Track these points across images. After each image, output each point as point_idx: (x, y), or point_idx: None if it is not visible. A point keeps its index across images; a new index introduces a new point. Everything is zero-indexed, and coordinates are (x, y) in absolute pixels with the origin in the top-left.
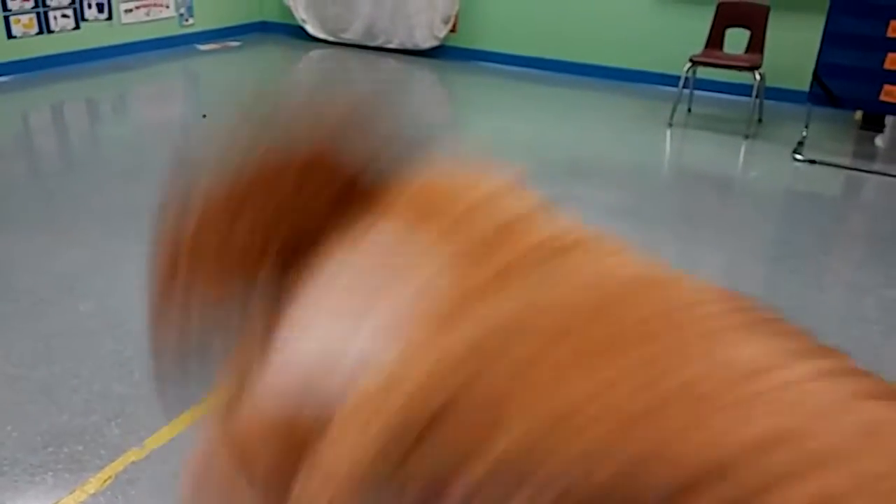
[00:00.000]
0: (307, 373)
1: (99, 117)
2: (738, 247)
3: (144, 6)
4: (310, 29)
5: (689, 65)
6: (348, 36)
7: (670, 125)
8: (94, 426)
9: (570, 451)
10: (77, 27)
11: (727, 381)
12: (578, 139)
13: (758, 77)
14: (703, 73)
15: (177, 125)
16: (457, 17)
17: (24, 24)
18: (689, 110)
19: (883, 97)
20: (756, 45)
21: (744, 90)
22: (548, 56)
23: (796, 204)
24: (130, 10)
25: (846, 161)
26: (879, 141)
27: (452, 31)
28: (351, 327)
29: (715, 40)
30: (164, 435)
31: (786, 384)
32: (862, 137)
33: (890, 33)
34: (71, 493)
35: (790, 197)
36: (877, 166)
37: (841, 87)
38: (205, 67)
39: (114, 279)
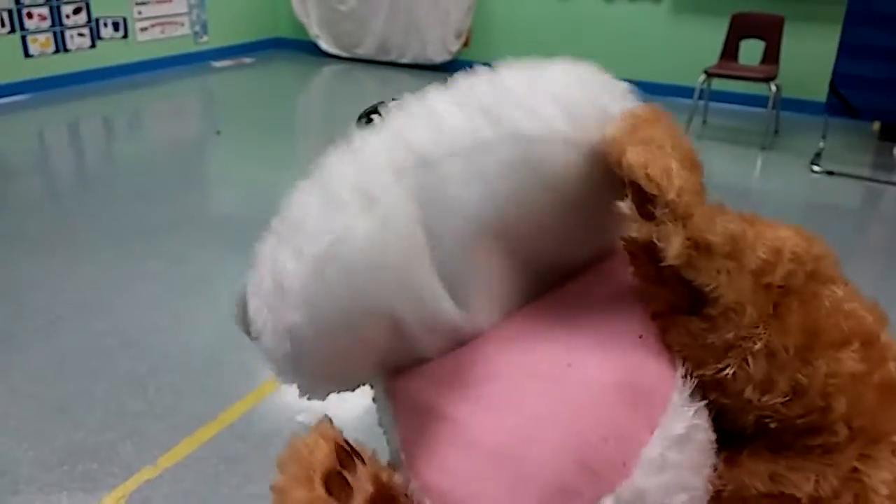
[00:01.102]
0: None
1: (114, 135)
2: None
3: (160, 24)
4: (323, 45)
5: (703, 76)
6: (361, 51)
7: None
8: (108, 444)
9: None
10: (93, 46)
11: None
12: None
13: (773, 88)
14: (719, 84)
15: (191, 142)
16: (469, 31)
17: (41, 43)
18: (705, 122)
19: None
20: (771, 56)
21: (760, 101)
22: None
23: (814, 216)
24: (146, 29)
25: (864, 172)
26: None
27: (465, 45)
28: None
29: (730, 52)
30: (177, 453)
31: None
32: (880, 148)
33: None
34: None
35: (808, 209)
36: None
37: (858, 97)
38: (219, 84)
39: (128, 297)
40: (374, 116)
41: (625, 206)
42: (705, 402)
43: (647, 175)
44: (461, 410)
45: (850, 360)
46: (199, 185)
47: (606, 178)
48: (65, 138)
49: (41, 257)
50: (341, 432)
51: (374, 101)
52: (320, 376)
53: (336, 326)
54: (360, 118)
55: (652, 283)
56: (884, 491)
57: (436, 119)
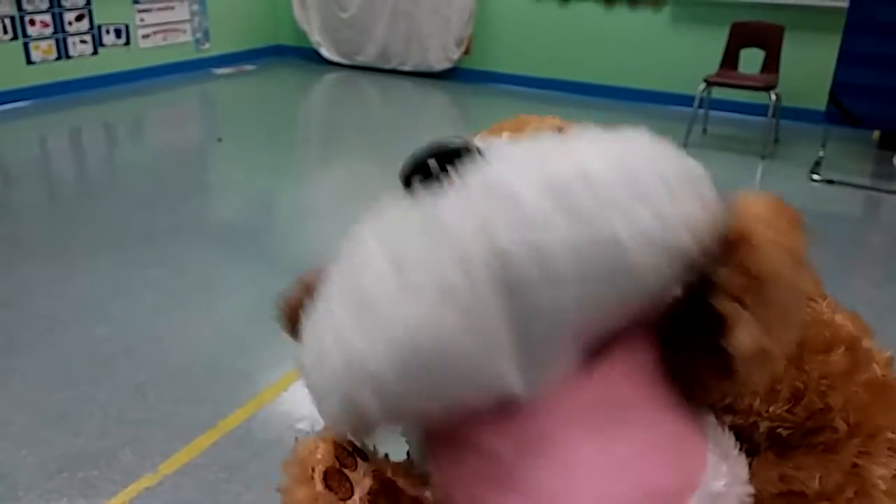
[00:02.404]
0: None
1: (116, 142)
2: None
3: (162, 31)
4: (324, 52)
5: (703, 85)
6: (362, 59)
7: (685, 146)
8: (108, 451)
9: None
10: (95, 53)
11: None
12: None
13: (773, 97)
14: (718, 93)
15: (193, 149)
16: (470, 39)
17: (43, 49)
18: (705, 131)
19: None
20: (771, 64)
21: (759, 110)
22: (561, 77)
23: (814, 224)
24: (148, 36)
25: (864, 181)
26: None
27: (466, 53)
28: None
29: (729, 60)
30: (177, 460)
31: None
32: (880, 157)
33: None
34: None
35: (808, 217)
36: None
37: (858, 106)
38: (221, 91)
39: (130, 303)
40: (432, 170)
41: (723, 275)
42: (739, 451)
43: (781, 281)
44: (517, 473)
45: (837, 362)
46: (200, 193)
47: (679, 266)
48: (66, 145)
49: (42, 263)
50: (344, 434)
51: (425, 143)
52: (376, 433)
53: (407, 409)
54: (414, 167)
55: (686, 351)
56: (882, 486)
57: (522, 209)
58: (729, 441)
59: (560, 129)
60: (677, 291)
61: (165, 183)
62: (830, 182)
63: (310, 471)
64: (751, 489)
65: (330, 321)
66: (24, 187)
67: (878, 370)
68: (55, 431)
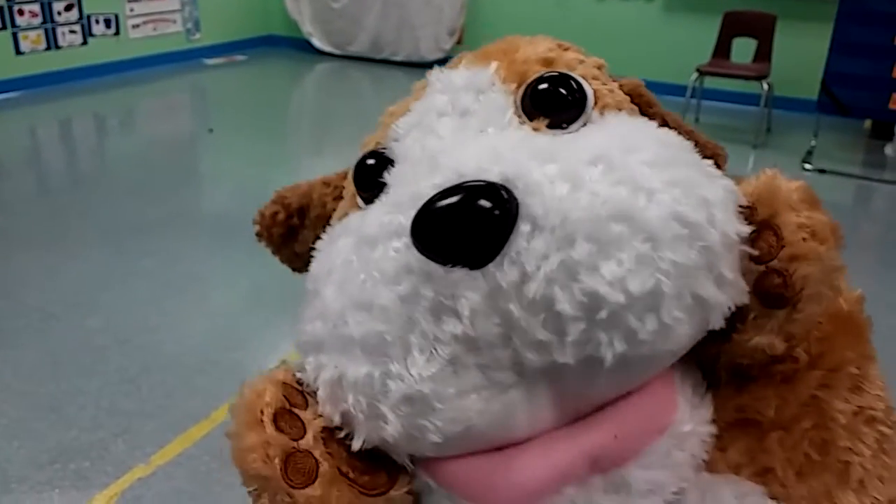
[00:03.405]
0: None
1: (106, 132)
2: None
3: (152, 21)
4: (316, 42)
5: (696, 75)
6: (354, 49)
7: None
8: (100, 442)
9: None
10: (85, 43)
11: None
12: None
13: (765, 86)
14: (711, 82)
15: (184, 140)
16: (463, 28)
17: (32, 40)
18: (697, 120)
19: (892, 105)
20: (763, 54)
21: (752, 100)
22: None
23: None
24: (138, 26)
25: (856, 170)
26: (889, 150)
27: (458, 43)
28: None
29: (722, 50)
30: (170, 451)
31: None
32: (871, 146)
33: None
34: None
35: None
36: (887, 175)
37: (849, 95)
38: (211, 81)
39: (121, 295)
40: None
41: (759, 271)
42: (706, 391)
43: (819, 304)
44: None
45: None
46: (191, 183)
47: None
48: (56, 136)
49: (33, 255)
50: (294, 373)
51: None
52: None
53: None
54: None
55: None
56: (842, 420)
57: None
58: (696, 378)
59: (550, 60)
60: None
61: (157, 173)
62: (822, 171)
63: (259, 414)
64: (713, 429)
65: (355, 380)
66: (14, 179)
67: (844, 304)
68: (47, 423)
